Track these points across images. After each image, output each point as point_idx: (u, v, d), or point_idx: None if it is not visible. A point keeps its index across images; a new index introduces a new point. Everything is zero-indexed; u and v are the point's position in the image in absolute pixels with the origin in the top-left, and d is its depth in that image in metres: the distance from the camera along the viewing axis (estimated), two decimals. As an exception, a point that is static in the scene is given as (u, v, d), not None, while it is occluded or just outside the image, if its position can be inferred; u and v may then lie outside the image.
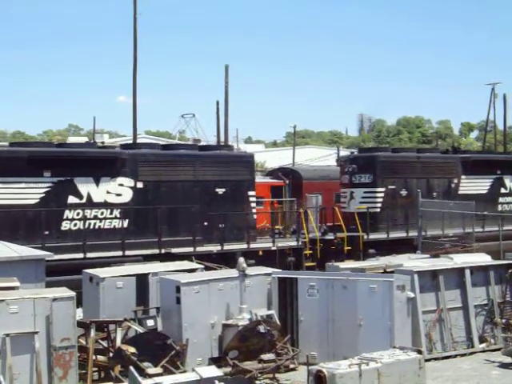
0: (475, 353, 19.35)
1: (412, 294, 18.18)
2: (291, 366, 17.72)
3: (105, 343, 16.74)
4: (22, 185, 24.29)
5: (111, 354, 16.18)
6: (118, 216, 25.81)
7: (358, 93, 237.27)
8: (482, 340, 19.76)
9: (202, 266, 21.25)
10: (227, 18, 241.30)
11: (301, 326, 18.63)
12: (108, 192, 25.83)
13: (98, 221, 25.50)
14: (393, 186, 33.76)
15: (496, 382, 16.68)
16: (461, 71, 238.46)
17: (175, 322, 17.64)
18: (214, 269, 22.50)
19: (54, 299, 14.61)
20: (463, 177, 36.09)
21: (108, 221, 25.69)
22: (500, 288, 20.33)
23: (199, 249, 26.67)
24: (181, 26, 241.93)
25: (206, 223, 27.38)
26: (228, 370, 16.40)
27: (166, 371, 15.31)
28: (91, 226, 25.26)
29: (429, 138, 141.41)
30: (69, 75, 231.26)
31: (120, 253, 25.07)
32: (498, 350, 19.01)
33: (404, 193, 34.01)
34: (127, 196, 26.25)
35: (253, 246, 28.21)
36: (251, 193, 29.22)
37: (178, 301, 17.64)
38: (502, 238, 30.77)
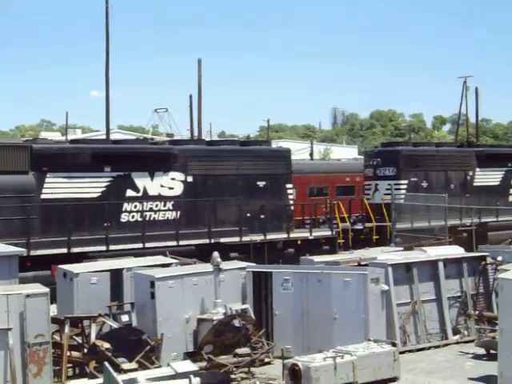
0: (449, 345, 19.46)
1: (386, 287, 18.24)
2: (266, 359, 17.75)
3: (79, 339, 16.67)
4: (86, 179, 25.75)
5: (86, 350, 16.12)
6: (171, 208, 27.42)
7: (332, 86, 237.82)
8: (455, 332, 19.87)
9: (177, 261, 21.23)
10: (200, 11, 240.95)
11: (275, 319, 18.65)
12: (161, 186, 27.40)
13: (152, 213, 27.05)
14: (414, 179, 35.29)
15: (470, 374, 16.77)
16: (433, 64, 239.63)
17: (150, 317, 17.60)
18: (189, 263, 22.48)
19: (28, 295, 14.51)
20: (477, 169, 37.70)
21: (162, 213, 27.25)
22: (473, 280, 20.46)
23: (244, 238, 28.44)
24: (153, 20, 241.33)
25: (248, 214, 28.91)
26: (203, 364, 16.38)
27: (141, 366, 15.29)
28: (147, 218, 26.80)
29: (402, 132, 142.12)
30: (41, 70, 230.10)
31: (174, 243, 26.64)
32: (472, 341, 19.13)
33: (425, 185, 35.58)
34: (179, 189, 27.82)
35: (292, 235, 29.90)
36: (288, 185, 30.81)
37: (153, 296, 17.59)
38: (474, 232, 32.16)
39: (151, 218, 26.94)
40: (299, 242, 29.88)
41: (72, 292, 18.41)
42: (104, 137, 47.93)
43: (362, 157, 42.92)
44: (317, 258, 21.50)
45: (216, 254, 18.46)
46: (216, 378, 16.14)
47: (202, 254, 25.38)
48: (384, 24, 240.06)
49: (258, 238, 28.79)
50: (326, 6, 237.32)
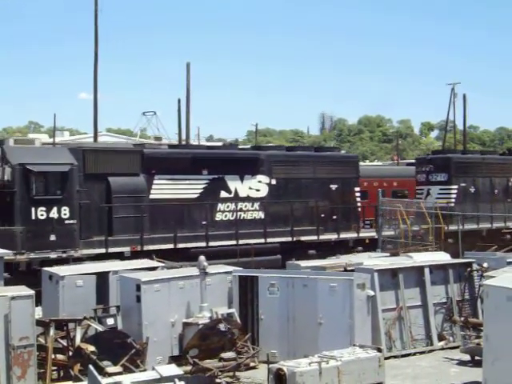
0: (434, 350, 19.50)
1: (372, 293, 18.26)
2: (252, 364, 17.74)
3: (64, 342, 16.63)
4: (186, 181, 28.29)
5: (71, 353, 16.08)
6: (257, 208, 30.00)
7: (320, 91, 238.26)
8: (440, 338, 19.91)
9: (163, 265, 21.21)
10: (189, 15, 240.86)
11: (261, 324, 18.65)
12: (250, 188, 30.06)
13: (242, 212, 29.60)
14: (463, 184, 37.76)
15: (454, 380, 16.81)
16: (421, 70, 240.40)
17: (135, 321, 17.59)
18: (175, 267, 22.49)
19: (13, 298, 14.47)
20: None
21: (250, 212, 29.86)
22: (459, 286, 20.51)
23: (321, 237, 30.96)
24: (143, 23, 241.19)
25: (322, 215, 31.32)
26: (188, 368, 16.37)
27: (126, 370, 15.24)
28: (238, 217, 29.30)
29: (389, 137, 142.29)
30: (29, 72, 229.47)
31: (262, 240, 29.29)
32: (457, 347, 19.19)
33: (472, 190, 37.98)
34: (264, 191, 30.44)
35: (361, 235, 32.49)
36: (356, 188, 33.55)
37: (139, 299, 17.59)
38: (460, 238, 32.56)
39: (241, 217, 29.45)
40: (367, 241, 32.21)
41: (57, 295, 18.37)
42: (91, 139, 47.84)
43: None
44: (303, 263, 21.52)
45: (202, 257, 18.44)
46: (201, 382, 16.03)
47: (284, 251, 29.21)
48: (373, 30, 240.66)
49: (332, 236, 31.21)
50: (313, 11, 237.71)
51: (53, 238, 24.28)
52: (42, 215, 24.33)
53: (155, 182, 27.44)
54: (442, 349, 19.61)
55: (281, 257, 28.80)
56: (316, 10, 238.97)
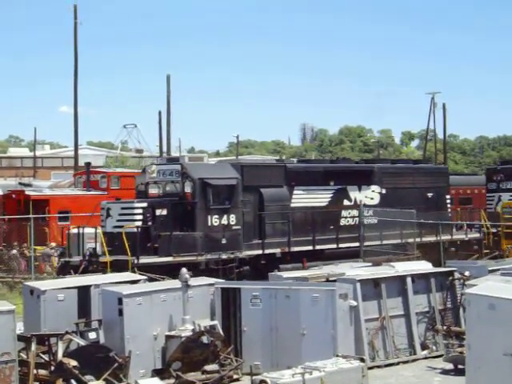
0: (417, 360, 19.49)
1: (354, 303, 18.26)
2: (235, 376, 17.68)
3: (46, 357, 16.51)
4: (318, 192, 31.94)
5: (53, 368, 15.98)
6: (372, 215, 32.91)
7: (301, 102, 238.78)
8: (423, 347, 19.91)
9: (145, 277, 21.15)
10: (168, 27, 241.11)
11: (244, 336, 18.60)
12: (366, 197, 33.40)
13: (359, 218, 32.61)
14: None
15: (438, 389, 16.85)
16: (401, 80, 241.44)
17: (117, 335, 17.49)
18: (158, 280, 22.43)
19: (-6, 313, 14.37)
20: None
21: (366, 218, 32.80)
22: (441, 295, 20.53)
23: (423, 239, 34.10)
24: (122, 36, 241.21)
25: (422, 219, 33.58)
26: (171, 381, 16.33)
27: (109, 384, 15.18)
28: (356, 223, 32.44)
29: (370, 147, 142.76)
30: (9, 85, 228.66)
31: (378, 242, 32.57)
32: (440, 356, 19.19)
33: None
34: (376, 199, 33.87)
35: (454, 237, 36.36)
36: (447, 196, 37.38)
37: (121, 313, 17.49)
38: (442, 247, 33.28)
39: (358, 223, 32.52)
40: (458, 243, 36.21)
41: (39, 309, 18.21)
42: (72, 153, 47.84)
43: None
44: (285, 274, 21.50)
45: (184, 270, 18.41)
46: (184, 395, 16.06)
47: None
48: (354, 38, 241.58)
49: (432, 238, 34.38)
50: (291, 20, 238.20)
51: (224, 241, 28.10)
52: (215, 222, 28.10)
53: (295, 192, 31.08)
54: (426, 358, 19.61)
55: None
56: (294, 18, 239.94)
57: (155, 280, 22.42)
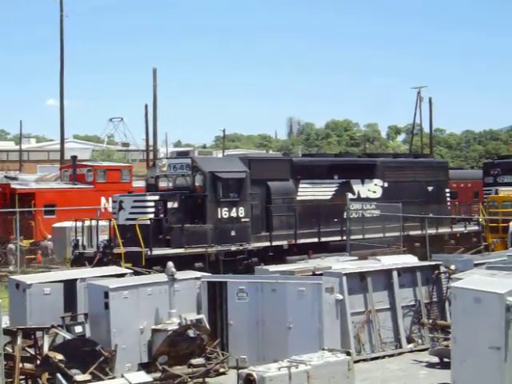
0: (403, 353, 19.54)
1: (340, 296, 18.29)
2: (221, 369, 17.69)
3: (32, 351, 16.46)
4: (322, 185, 32.81)
5: (38, 362, 15.93)
6: (374, 208, 33.80)
7: (287, 96, 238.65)
8: (409, 340, 19.96)
9: (131, 271, 21.12)
10: (154, 21, 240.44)
11: (230, 329, 18.60)
12: (368, 190, 34.49)
13: (362, 211, 33.54)
14: None
15: (423, 382, 16.90)
16: (387, 73, 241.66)
17: (104, 328, 17.46)
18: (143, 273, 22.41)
19: (-21, 307, 14.32)
20: None
21: (368, 211, 33.73)
22: (427, 289, 20.58)
23: (424, 232, 34.49)
24: (109, 29, 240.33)
25: (422, 212, 34.66)
26: (157, 375, 16.30)
27: (95, 378, 15.15)
28: (359, 215, 33.23)
29: (357, 141, 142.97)
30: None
31: (381, 235, 33.24)
32: (426, 350, 19.25)
33: None
34: (379, 193, 34.90)
35: (454, 229, 37.43)
36: (447, 190, 38.43)
37: (107, 306, 17.46)
38: (428, 240, 33.26)
39: (360, 215, 33.30)
40: (458, 235, 37.11)
41: (25, 303, 18.15)
42: (58, 146, 47.73)
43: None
44: (272, 268, 21.51)
45: (171, 263, 18.38)
46: (170, 388, 16.05)
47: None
48: (339, 32, 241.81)
49: (433, 231, 35.34)
50: (277, 15, 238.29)
51: (233, 233, 28.84)
52: (225, 214, 28.86)
53: (300, 185, 31.92)
54: (411, 351, 19.67)
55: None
56: (279, 13, 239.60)
57: (141, 273, 22.38)
